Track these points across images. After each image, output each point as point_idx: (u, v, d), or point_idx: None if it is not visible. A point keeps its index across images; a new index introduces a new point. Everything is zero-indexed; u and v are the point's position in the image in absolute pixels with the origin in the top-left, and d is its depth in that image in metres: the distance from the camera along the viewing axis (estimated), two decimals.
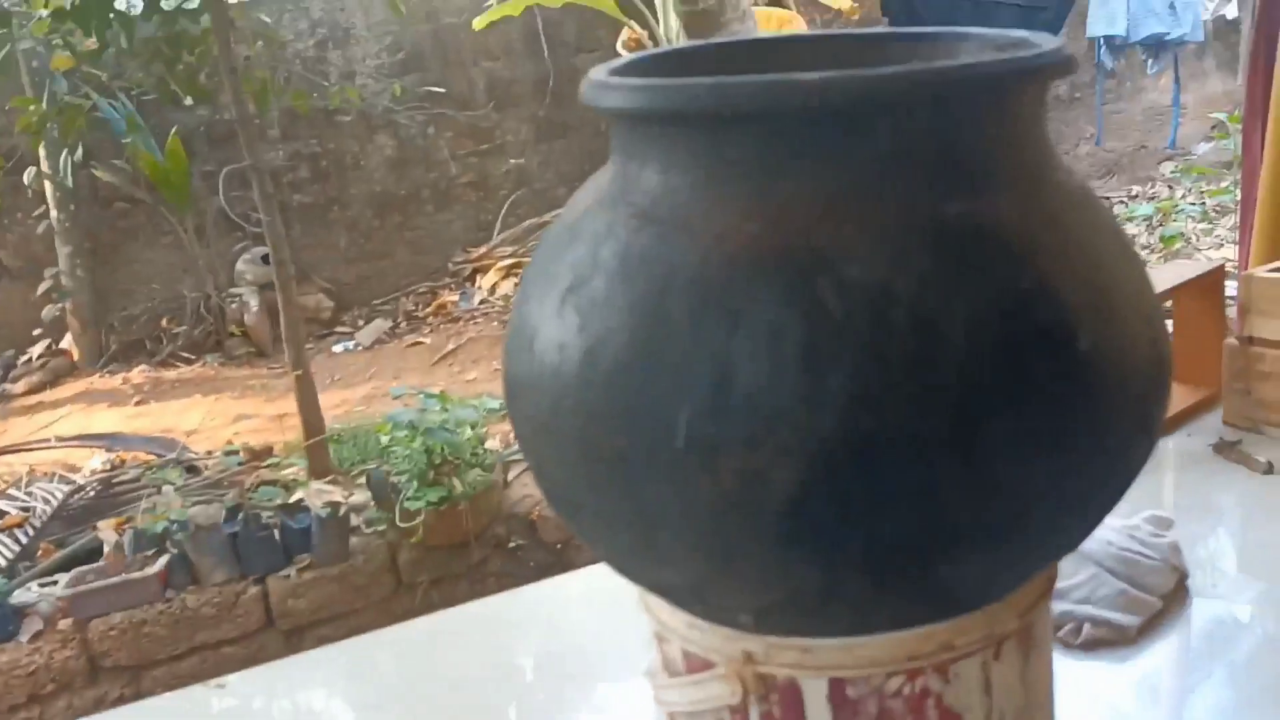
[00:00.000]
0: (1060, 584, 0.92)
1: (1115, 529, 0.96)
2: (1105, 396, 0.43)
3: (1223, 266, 1.40)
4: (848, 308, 0.40)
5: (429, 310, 4.81)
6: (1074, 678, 0.84)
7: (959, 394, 0.40)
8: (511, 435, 3.44)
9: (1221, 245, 4.79)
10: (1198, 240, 5.02)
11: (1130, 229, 5.25)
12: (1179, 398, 1.35)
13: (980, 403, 0.40)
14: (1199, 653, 0.88)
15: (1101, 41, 5.79)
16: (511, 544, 2.96)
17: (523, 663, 0.93)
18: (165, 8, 2.96)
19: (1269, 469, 1.14)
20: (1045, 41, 0.45)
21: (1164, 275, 1.35)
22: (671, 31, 4.18)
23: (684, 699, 0.52)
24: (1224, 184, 5.34)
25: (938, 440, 0.40)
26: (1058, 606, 0.89)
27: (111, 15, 2.85)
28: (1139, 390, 0.44)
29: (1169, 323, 1.41)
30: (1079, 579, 0.91)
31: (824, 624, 0.46)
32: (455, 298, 4.84)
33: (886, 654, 0.47)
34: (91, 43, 2.94)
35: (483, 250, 5.01)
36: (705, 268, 0.42)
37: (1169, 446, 1.25)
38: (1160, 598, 0.91)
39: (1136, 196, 6.02)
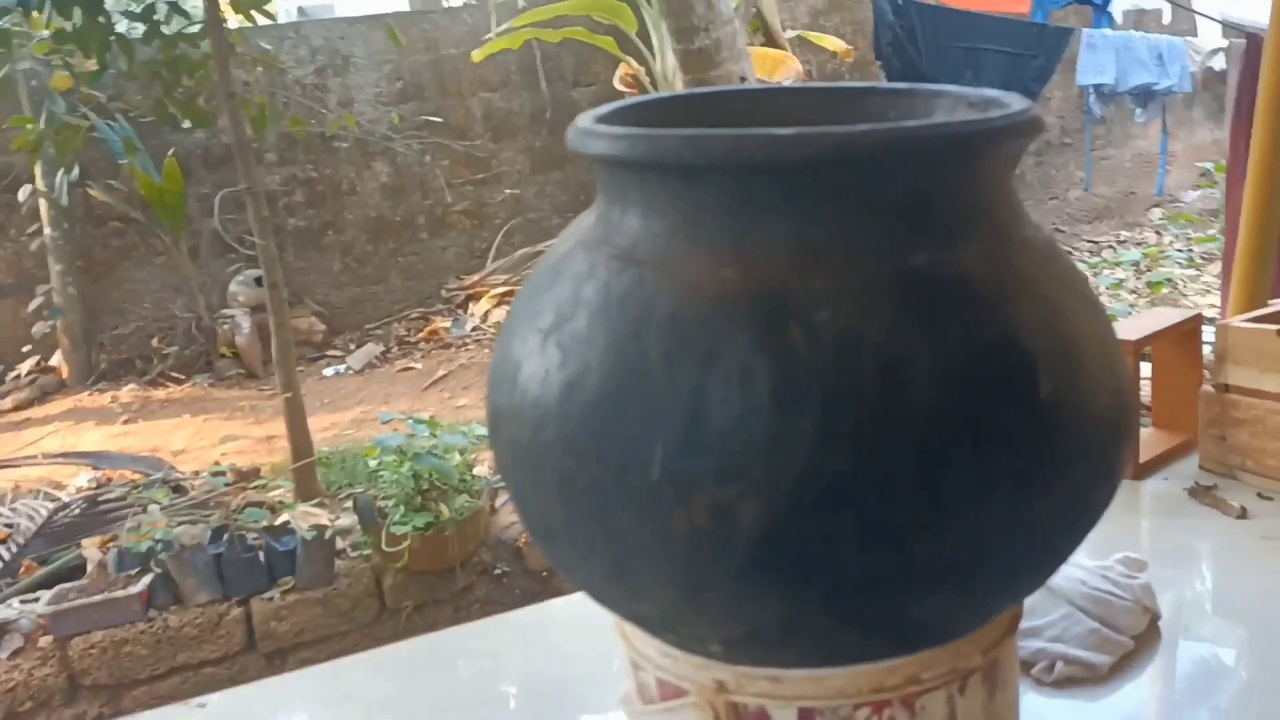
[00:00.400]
0: (1033, 622, 0.94)
1: (1089, 569, 0.97)
2: (1067, 441, 0.44)
3: (1199, 315, 1.42)
4: (817, 352, 0.42)
5: (421, 336, 4.82)
6: (1045, 715, 0.85)
7: (924, 436, 0.42)
8: None
9: (1208, 291, 4.85)
10: (1184, 286, 5.08)
11: (1118, 273, 5.31)
12: (1157, 442, 1.37)
13: (944, 445, 0.42)
14: (1170, 692, 0.90)
15: (1091, 90, 5.88)
16: (497, 570, 2.96)
17: (505, 688, 0.94)
18: (166, 32, 2.99)
19: (1242, 513, 1.16)
20: (1015, 102, 0.48)
21: (1142, 323, 1.38)
22: (668, 69, 4.24)
23: None
24: (1210, 231, 5.42)
25: (903, 481, 0.42)
26: (1031, 644, 0.91)
27: (112, 38, 2.89)
28: (1101, 436, 0.46)
29: (1147, 368, 1.44)
30: (1052, 617, 0.92)
31: (791, 655, 0.48)
32: (448, 324, 4.86)
33: (854, 686, 0.48)
34: (91, 64, 2.96)
35: (476, 278, 5.03)
36: (681, 309, 0.44)
37: (1146, 490, 1.26)
38: (1132, 638, 0.92)
39: (1125, 242, 6.10)
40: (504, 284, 4.95)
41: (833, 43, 4.90)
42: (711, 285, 0.44)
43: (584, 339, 0.46)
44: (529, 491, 0.49)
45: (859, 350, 0.42)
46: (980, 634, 0.50)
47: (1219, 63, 6.46)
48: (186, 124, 3.28)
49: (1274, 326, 1.22)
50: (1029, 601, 0.95)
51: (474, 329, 4.78)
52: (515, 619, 1.11)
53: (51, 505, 3.11)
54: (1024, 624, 0.94)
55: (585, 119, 0.50)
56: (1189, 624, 0.97)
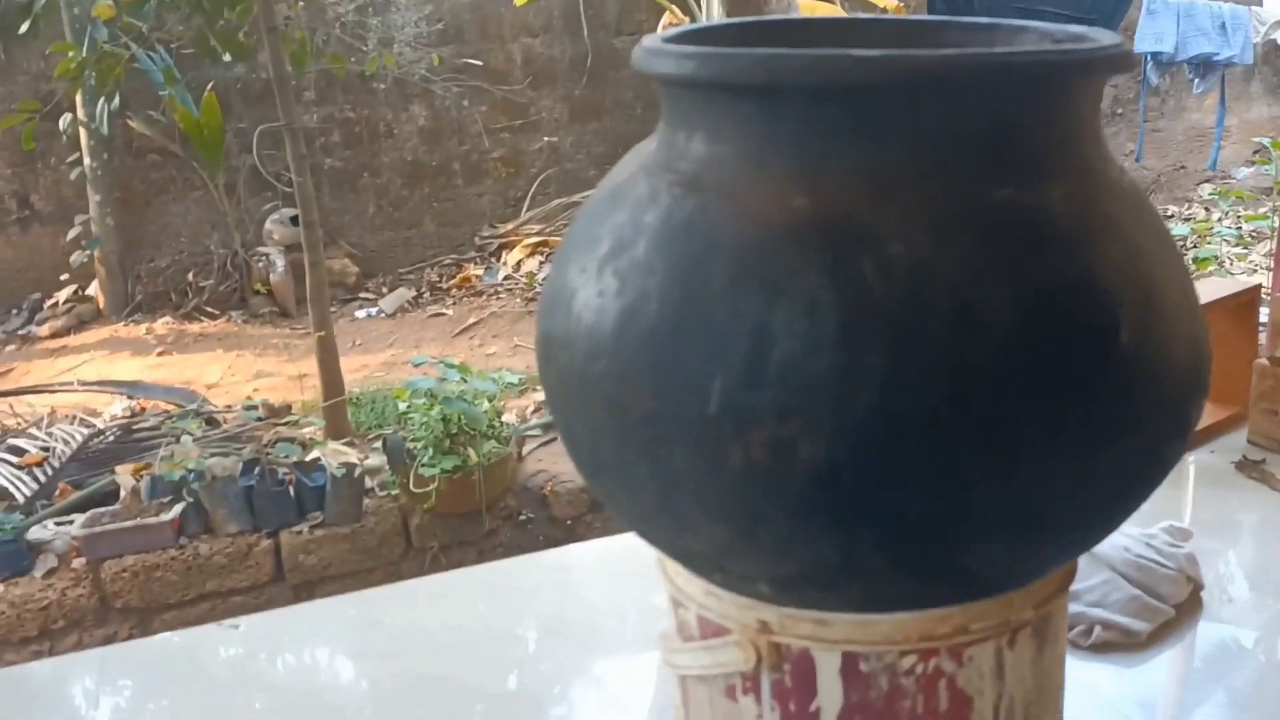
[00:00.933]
0: (1074, 585, 0.92)
1: (1132, 536, 0.96)
2: (1143, 394, 0.43)
3: (1259, 286, 1.38)
4: (889, 287, 0.40)
5: (453, 282, 4.82)
6: (1082, 678, 0.84)
7: (996, 379, 0.40)
8: (528, 410, 3.44)
9: (1255, 270, 4.73)
10: (1231, 265, 4.97)
11: None
12: (1206, 414, 1.34)
13: (1017, 390, 0.40)
14: (1207, 665, 0.88)
15: (1148, 58, 5.72)
16: (522, 516, 2.98)
17: (531, 625, 0.94)
18: None
19: None
20: (1104, 37, 0.45)
21: (1199, 290, 1.34)
22: (714, 17, 4.16)
23: (696, 663, 0.52)
24: (1262, 209, 5.28)
25: (971, 425, 0.40)
26: (1071, 607, 0.89)
27: None
28: (1177, 390, 0.44)
29: None
30: (1093, 582, 0.91)
31: (841, 598, 0.47)
32: (480, 272, 4.86)
33: (901, 632, 0.47)
34: None
35: (510, 226, 5.01)
36: (747, 238, 0.42)
37: (1192, 461, 1.24)
38: (1173, 606, 0.90)
39: (1173, 217, 5.97)
40: (538, 234, 4.92)
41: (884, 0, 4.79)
42: (780, 214, 0.42)
43: (643, 267, 0.45)
44: (579, 422, 0.48)
45: (933, 287, 0.40)
46: (1034, 588, 0.49)
47: None
48: (226, 57, 3.26)
49: None
50: None
51: (506, 278, 4.77)
52: (543, 559, 1.11)
53: (87, 431, 3.15)
54: None
55: (652, 38, 0.48)
56: (1232, 595, 0.95)
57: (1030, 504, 0.42)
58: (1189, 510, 1.15)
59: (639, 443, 0.45)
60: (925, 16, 0.56)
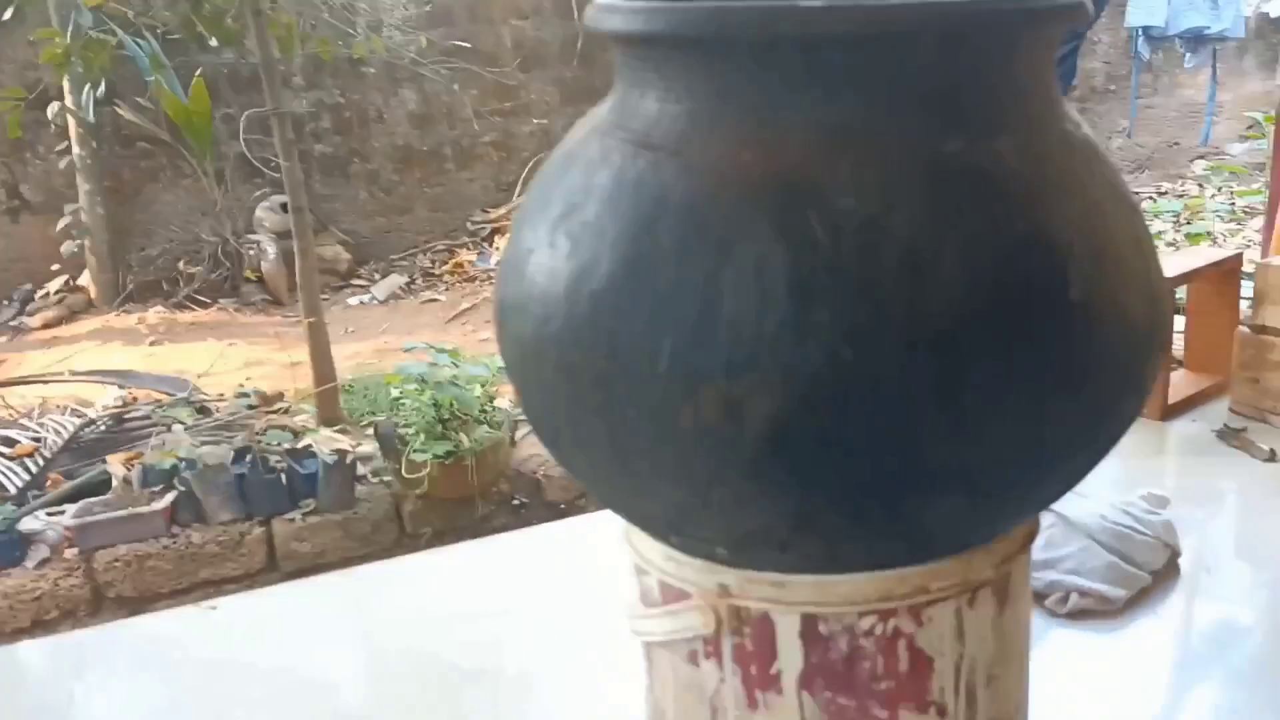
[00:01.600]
0: (1051, 554, 0.92)
1: (1111, 504, 0.95)
2: (1095, 346, 0.42)
3: (1240, 255, 1.38)
4: (838, 241, 0.40)
5: (446, 268, 4.81)
6: (1060, 645, 0.84)
7: (945, 334, 0.40)
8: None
9: (1248, 246, 4.73)
10: (1224, 240, 4.96)
11: (1157, 225, 5.19)
12: (1188, 383, 1.34)
13: (967, 344, 0.40)
14: (1185, 628, 0.88)
15: (1140, 32, 5.69)
16: (516, 501, 2.98)
17: (514, 603, 0.94)
18: None
19: (1271, 456, 1.14)
20: None
21: (1181, 261, 1.34)
22: None
23: (659, 629, 0.52)
24: (1255, 185, 5.27)
25: (920, 380, 0.40)
26: (1047, 575, 0.89)
27: None
28: (1131, 346, 0.44)
29: (1183, 310, 1.41)
30: (1070, 549, 0.91)
31: (798, 559, 0.47)
32: (473, 257, 4.84)
33: (860, 593, 0.47)
34: None
35: (502, 211, 5.00)
36: (698, 196, 0.42)
37: (1174, 430, 1.24)
38: (1150, 573, 0.91)
39: (1166, 193, 5.95)
40: None
41: None
42: (730, 171, 0.42)
43: (594, 228, 0.44)
44: (534, 386, 0.48)
45: (882, 241, 0.40)
46: (993, 547, 0.49)
47: (1276, 8, 6.23)
48: (214, 43, 3.23)
49: None
50: (1047, 535, 0.94)
51: (499, 263, 4.75)
52: (526, 537, 1.11)
53: (78, 421, 3.15)
54: (1041, 556, 0.93)
55: None
56: (1210, 563, 0.95)
57: (983, 459, 0.42)
58: (1171, 479, 1.15)
59: (592, 405, 0.44)
60: None
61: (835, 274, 0.40)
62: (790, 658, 0.49)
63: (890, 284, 0.40)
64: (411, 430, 2.80)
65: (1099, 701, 0.78)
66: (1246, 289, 1.35)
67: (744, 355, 0.40)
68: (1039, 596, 0.88)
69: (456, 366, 2.89)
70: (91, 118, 3.81)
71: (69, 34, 3.07)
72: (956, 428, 0.41)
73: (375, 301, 4.54)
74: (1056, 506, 0.95)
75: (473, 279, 4.71)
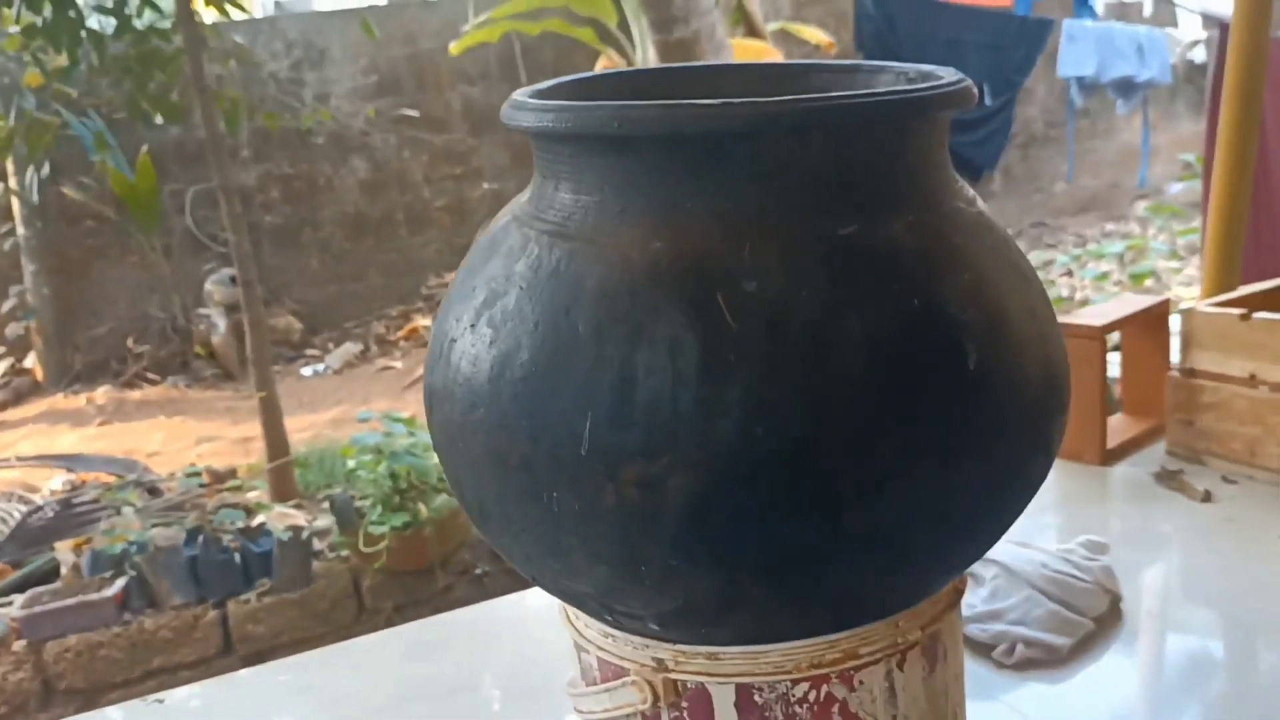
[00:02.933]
0: (996, 605, 0.94)
1: (1051, 553, 0.97)
2: (995, 412, 0.44)
3: (1167, 301, 1.43)
4: (745, 322, 0.42)
5: (401, 335, 4.80)
6: (1008, 696, 0.85)
7: (851, 407, 0.42)
8: None
9: (1191, 283, 4.88)
10: (1167, 278, 5.11)
11: (1103, 265, 5.34)
12: (1125, 428, 1.37)
13: (871, 415, 0.42)
14: (1130, 672, 0.90)
15: (1073, 81, 5.91)
16: (478, 570, 2.95)
17: (471, 679, 0.93)
18: (138, 26, 2.97)
19: (1206, 497, 1.16)
20: (946, 75, 0.47)
21: (1110, 309, 1.38)
22: (649, 60, 4.23)
23: (599, 706, 0.53)
24: (1194, 223, 5.45)
25: (831, 452, 0.42)
26: (993, 627, 0.91)
27: (83, 32, 2.86)
28: (1031, 408, 0.46)
29: (1116, 356, 1.45)
30: (1014, 600, 0.93)
31: (728, 632, 0.47)
32: (427, 322, 4.85)
33: (791, 661, 0.48)
34: (62, 60, 2.93)
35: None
36: (611, 283, 0.43)
37: (1114, 475, 1.27)
38: (1093, 619, 0.92)
39: (1110, 234, 6.13)
40: None
41: (815, 34, 4.90)
42: (641, 258, 0.43)
43: (515, 316, 0.46)
44: (463, 471, 0.49)
45: (786, 321, 0.42)
46: (920, 609, 0.50)
47: (1200, 54, 6.50)
48: (160, 120, 3.25)
49: (1239, 310, 1.23)
50: (991, 586, 0.96)
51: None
52: (468, 614, 1.10)
53: (25, 508, 3.08)
54: (987, 607, 0.95)
55: (521, 93, 0.50)
56: (1151, 605, 0.97)
57: (898, 525, 0.44)
58: (1112, 523, 1.18)
59: (519, 488, 0.45)
60: (790, 61, 0.58)
61: (743, 354, 0.41)
62: None
63: (796, 361, 0.41)
64: (368, 502, 2.78)
65: None
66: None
67: (661, 435, 0.42)
68: (986, 648, 0.89)
69: (413, 435, 2.87)
70: (36, 198, 3.80)
71: (12, 116, 3.07)
72: (869, 497, 0.42)
73: (330, 371, 4.52)
74: (1001, 558, 0.97)
75: (428, 345, 4.70)
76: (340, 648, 1.04)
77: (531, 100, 0.47)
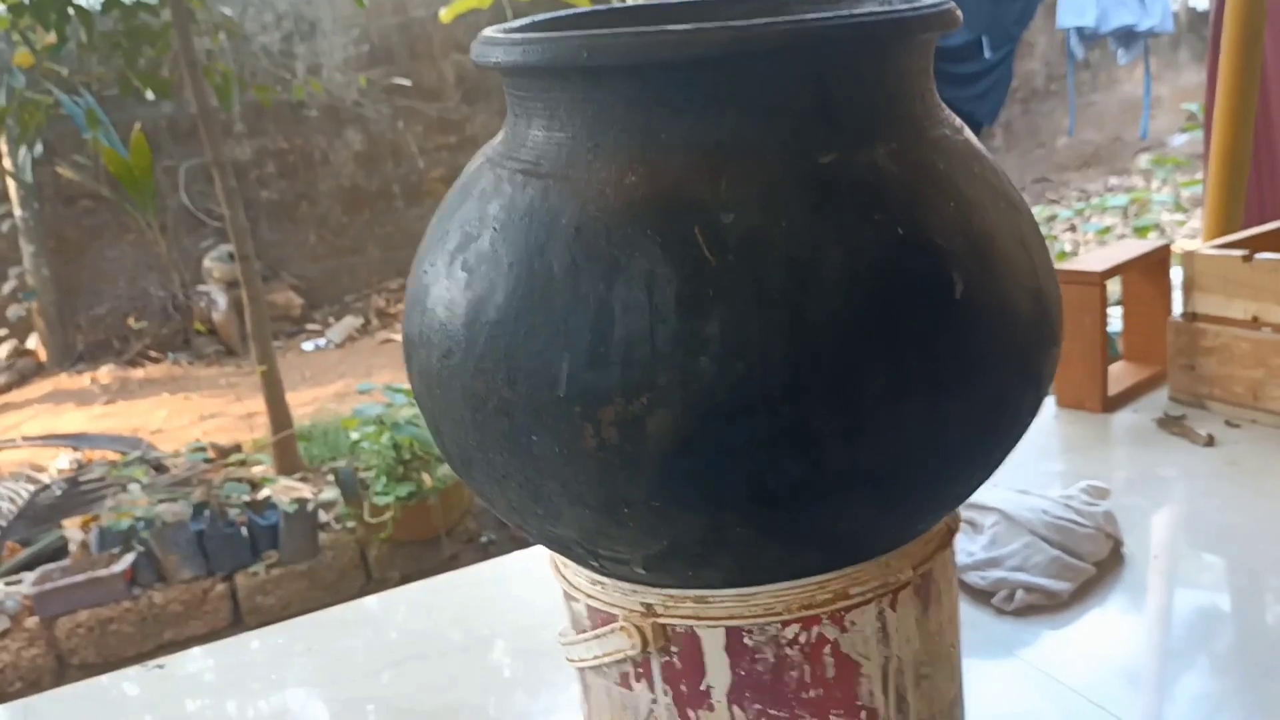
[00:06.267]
0: (996, 551, 0.93)
1: (1052, 499, 0.97)
2: (983, 344, 0.43)
3: (1168, 245, 1.41)
4: (723, 256, 0.40)
5: (400, 307, 4.79)
6: (1009, 642, 0.85)
7: (834, 340, 0.41)
8: None
9: (1195, 236, 4.83)
10: (1172, 230, 5.07)
11: (1106, 219, 5.29)
12: (1127, 374, 1.36)
13: (855, 349, 0.41)
14: (1132, 616, 0.89)
15: (1073, 32, 5.82)
16: (483, 539, 2.96)
17: (468, 639, 0.93)
18: (125, 1, 2.93)
19: (1209, 441, 1.16)
20: None
21: (1111, 253, 1.37)
22: None
23: (589, 654, 0.52)
24: (1198, 175, 5.39)
25: (813, 386, 0.41)
26: (992, 574, 0.90)
27: (70, 9, 2.82)
28: (1020, 339, 0.45)
29: (1116, 310, 1.43)
30: (1014, 547, 0.92)
31: (716, 573, 0.47)
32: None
33: (781, 602, 0.47)
34: (50, 38, 2.90)
35: None
36: (586, 220, 0.42)
37: (1116, 422, 1.26)
38: (1094, 564, 0.92)
39: (1114, 188, 6.08)
40: None
41: None
42: (616, 193, 0.42)
43: (489, 258, 0.44)
44: (442, 419, 0.48)
45: (766, 253, 0.40)
46: (911, 548, 0.50)
47: (1202, 2, 6.40)
48: (151, 96, 3.22)
49: (1240, 252, 1.21)
50: (991, 533, 0.95)
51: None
52: (466, 575, 1.10)
53: (32, 487, 3.09)
54: (986, 554, 0.94)
55: (491, 30, 0.48)
56: (1153, 550, 0.96)
57: (884, 461, 0.43)
58: (1114, 470, 1.17)
59: (498, 433, 0.44)
60: None
61: (722, 288, 0.40)
62: (718, 673, 0.49)
63: (776, 294, 0.40)
64: (372, 473, 2.78)
65: (1047, 696, 0.79)
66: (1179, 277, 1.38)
67: (639, 373, 0.41)
68: (985, 594, 0.89)
69: (414, 405, 2.87)
70: (30, 178, 3.77)
71: (2, 96, 3.04)
72: (853, 431, 0.41)
73: (331, 345, 4.51)
74: (1000, 505, 0.96)
75: None
76: (342, 609, 1.04)
77: (501, 35, 0.45)
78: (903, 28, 0.42)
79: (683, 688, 0.50)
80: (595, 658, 0.52)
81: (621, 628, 0.49)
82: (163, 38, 3.01)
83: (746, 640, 0.48)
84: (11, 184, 4.17)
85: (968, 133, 0.48)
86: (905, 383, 0.41)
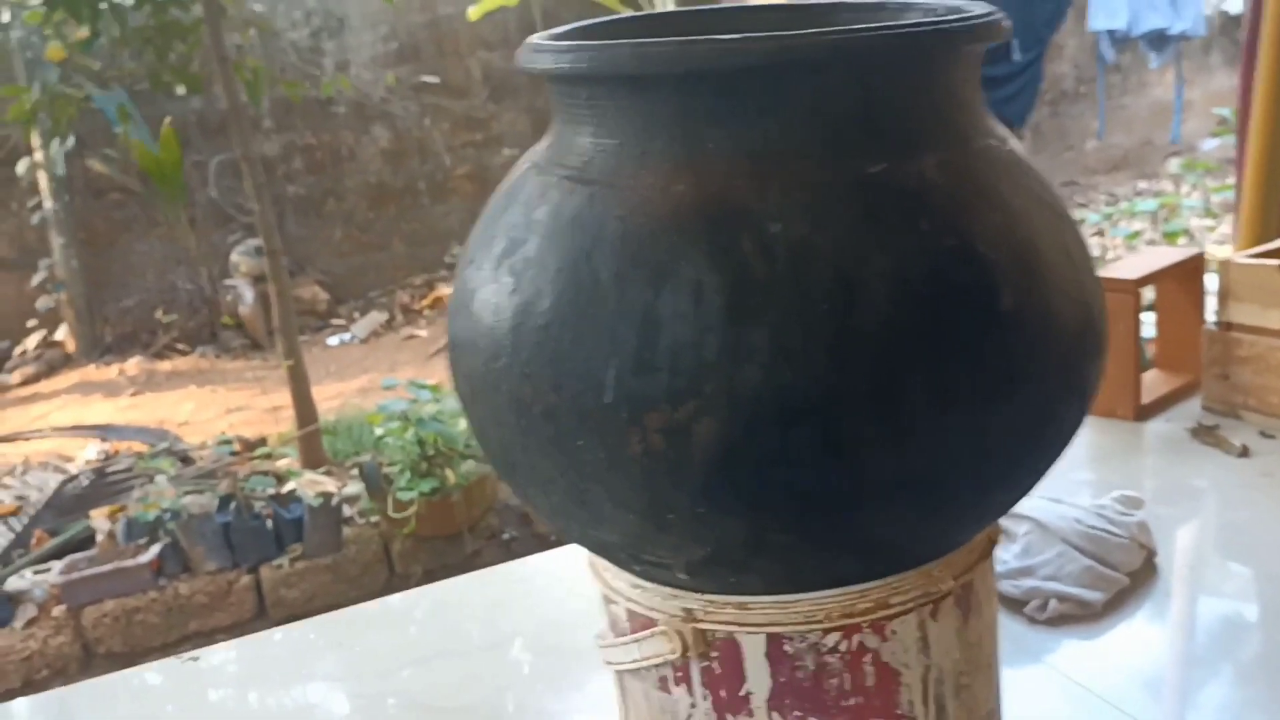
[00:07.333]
0: (1029, 561, 0.93)
1: (1085, 508, 0.96)
2: (1028, 355, 0.43)
3: (1202, 254, 1.39)
4: (770, 265, 0.41)
5: (425, 303, 4.81)
6: (1041, 652, 0.84)
7: (880, 349, 0.41)
8: None
9: (1225, 242, 4.78)
10: (1201, 236, 5.01)
11: (1135, 224, 5.24)
12: (1160, 383, 1.35)
13: (901, 358, 0.41)
14: (1165, 627, 0.89)
15: (1104, 35, 5.76)
16: (506, 535, 2.96)
17: (496, 637, 0.94)
18: None
19: (1243, 452, 1.14)
20: (976, 8, 0.46)
21: (1144, 261, 1.35)
22: None
23: (628, 657, 0.52)
24: (1228, 180, 5.33)
25: (858, 395, 0.41)
26: (1025, 583, 0.90)
27: (103, 4, 2.85)
28: (1065, 350, 0.45)
29: (1148, 317, 1.42)
30: (1047, 556, 0.91)
31: (758, 580, 0.47)
32: (451, 291, 4.85)
33: (822, 610, 0.47)
34: (83, 32, 2.93)
35: None
36: (633, 227, 0.43)
37: (1148, 431, 1.25)
38: (1127, 574, 0.91)
39: (1143, 192, 6.02)
40: None
41: None
42: (663, 201, 0.42)
43: (536, 263, 0.45)
44: (488, 422, 0.48)
45: (813, 262, 0.40)
46: (952, 558, 0.49)
47: (1235, 5, 6.33)
48: (181, 91, 3.25)
49: (1277, 262, 1.20)
50: (1024, 542, 0.94)
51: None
52: (508, 571, 1.11)
53: (60, 477, 3.13)
54: (1019, 563, 0.94)
55: (538, 37, 0.49)
56: (1186, 561, 0.96)
57: (928, 471, 0.43)
58: (1147, 479, 1.16)
59: (543, 437, 0.45)
60: (813, 1, 0.57)
61: (769, 296, 0.40)
62: (758, 679, 0.49)
63: (823, 304, 0.40)
64: (396, 469, 2.79)
65: (1079, 706, 0.78)
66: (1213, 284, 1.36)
67: (685, 380, 0.41)
68: (1018, 604, 0.89)
69: (438, 402, 2.89)
70: (62, 171, 3.82)
71: (36, 89, 3.08)
72: (898, 441, 0.41)
73: (356, 340, 4.54)
74: (1033, 513, 0.96)
75: None
76: (368, 606, 1.04)
77: (549, 43, 0.45)
78: (949, 39, 0.42)
79: (722, 693, 0.50)
80: (634, 661, 0.52)
81: (662, 632, 0.50)
82: (194, 33, 3.04)
83: (787, 647, 0.48)
84: (43, 177, 4.21)
85: (1013, 142, 0.48)
86: (950, 393, 0.41)
